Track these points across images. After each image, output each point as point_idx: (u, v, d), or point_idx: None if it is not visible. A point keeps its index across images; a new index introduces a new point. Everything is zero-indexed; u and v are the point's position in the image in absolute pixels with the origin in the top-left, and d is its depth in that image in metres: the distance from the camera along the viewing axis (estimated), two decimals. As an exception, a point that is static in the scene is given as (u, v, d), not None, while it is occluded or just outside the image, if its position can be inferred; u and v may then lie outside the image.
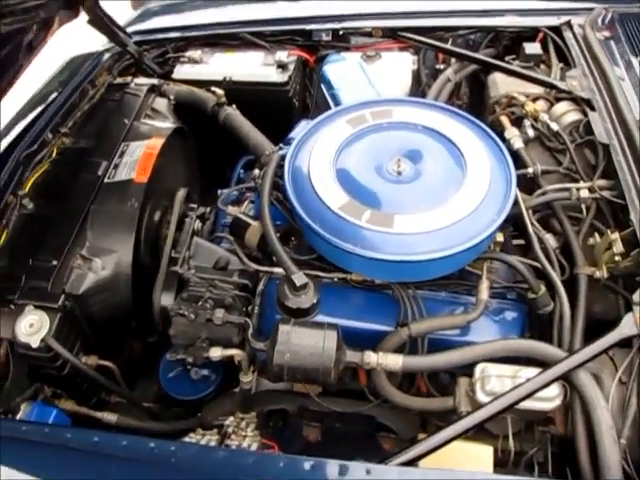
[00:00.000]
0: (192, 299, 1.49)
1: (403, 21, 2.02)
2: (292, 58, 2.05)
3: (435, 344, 1.48)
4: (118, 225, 1.56)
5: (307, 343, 1.30)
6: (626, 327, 1.26)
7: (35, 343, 1.39)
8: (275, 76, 2.00)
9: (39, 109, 1.83)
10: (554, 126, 1.69)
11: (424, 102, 1.72)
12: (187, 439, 1.36)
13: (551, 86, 1.79)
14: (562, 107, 1.75)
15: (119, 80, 2.02)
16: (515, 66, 1.91)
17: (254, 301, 1.53)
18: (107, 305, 1.57)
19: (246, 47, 2.11)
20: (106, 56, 2.03)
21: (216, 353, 1.44)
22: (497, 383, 1.29)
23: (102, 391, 1.66)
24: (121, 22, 2.08)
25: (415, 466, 1.15)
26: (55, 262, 1.49)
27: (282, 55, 2.02)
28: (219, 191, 1.82)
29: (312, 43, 2.10)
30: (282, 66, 2.01)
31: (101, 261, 1.54)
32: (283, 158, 1.61)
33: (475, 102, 2.07)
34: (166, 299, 1.56)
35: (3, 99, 1.67)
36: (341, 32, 2.06)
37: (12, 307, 1.44)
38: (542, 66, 1.94)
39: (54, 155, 1.75)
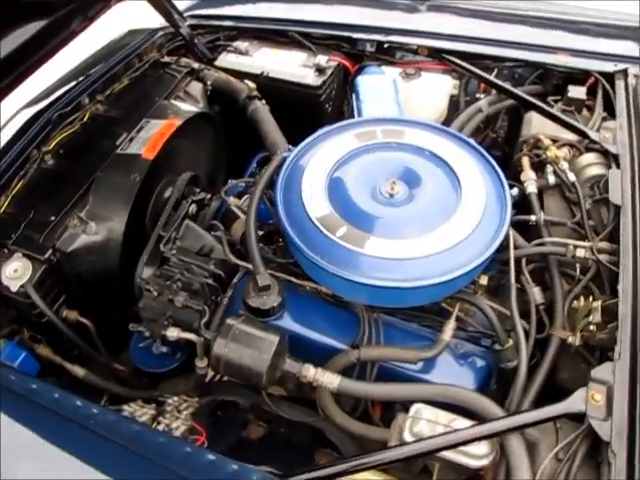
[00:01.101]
0: (164, 277, 1.55)
1: (450, 43, 1.97)
2: (332, 64, 2.05)
3: (389, 373, 1.46)
4: (117, 195, 1.64)
5: (247, 342, 1.32)
6: (575, 402, 1.17)
7: (14, 287, 1.50)
8: (310, 78, 2.01)
9: (85, 75, 1.95)
10: (571, 176, 1.60)
11: (441, 128, 1.67)
12: (125, 407, 1.42)
13: (583, 134, 1.68)
14: (587, 158, 1.65)
15: (166, 59, 2.11)
16: (555, 108, 1.81)
17: (222, 293, 1.57)
18: (95, 267, 1.65)
19: (292, 46, 2.14)
20: (159, 34, 2.13)
21: (173, 333, 1.48)
22: (426, 427, 1.25)
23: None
24: (182, 5, 2.18)
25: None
26: (53, 218, 1.60)
27: (322, 59, 2.03)
28: (229, 181, 1.87)
29: (357, 52, 2.09)
30: (320, 70, 2.02)
31: (96, 225, 1.62)
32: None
33: (512, 138, 1.98)
34: (146, 273, 1.63)
35: (51, 61, 1.81)
36: (386, 45, 2.04)
37: (5, 251, 1.57)
38: (585, 112, 1.83)
39: (86, 119, 1.87)
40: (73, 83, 1.92)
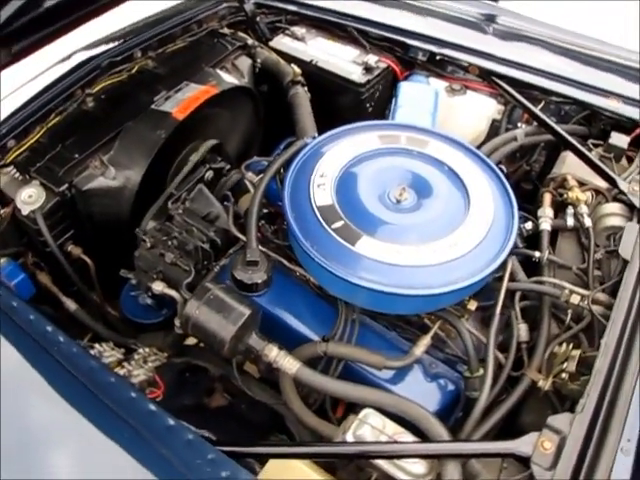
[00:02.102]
0: (163, 232, 1.59)
1: (502, 67, 1.93)
2: (381, 65, 2.05)
3: (355, 375, 1.45)
4: (141, 147, 1.70)
5: (218, 308, 1.34)
6: (523, 445, 1.13)
7: (25, 211, 1.58)
8: (356, 75, 2.01)
9: (144, 30, 2.03)
10: (587, 221, 1.55)
11: (466, 146, 1.64)
12: (96, 345, 1.47)
13: (612, 183, 1.62)
14: (610, 208, 1.58)
15: (225, 30, 2.17)
16: (594, 153, 1.75)
17: (215, 260, 1.60)
18: (107, 211, 1.72)
19: (348, 41, 2.15)
20: (223, 5, 2.19)
21: (158, 287, 1.52)
22: (369, 432, 1.24)
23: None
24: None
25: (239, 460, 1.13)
26: (77, 155, 1.67)
27: (372, 59, 2.03)
28: (254, 157, 1.89)
29: (408, 58, 2.08)
30: (368, 69, 2.02)
31: (115, 171, 1.68)
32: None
33: (546, 174, 1.91)
34: (150, 225, 1.67)
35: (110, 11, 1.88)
36: (438, 57, 2.02)
37: (27, 176, 1.65)
38: (625, 162, 1.76)
39: (134, 71, 1.94)
40: (131, 36, 2.00)
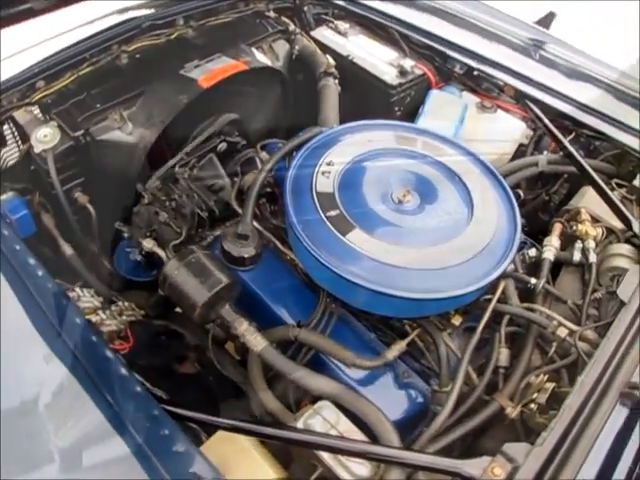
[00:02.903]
0: (163, 192, 1.60)
1: (538, 92, 1.87)
2: (417, 71, 2.02)
3: (324, 367, 1.42)
4: (161, 108, 1.71)
5: (198, 272, 1.34)
6: (472, 466, 1.08)
7: (37, 150, 1.61)
8: (388, 76, 1.99)
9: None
10: (592, 257, 1.48)
11: (483, 162, 1.60)
12: (77, 289, 1.48)
13: (627, 223, 1.55)
14: (619, 248, 1.51)
15: (271, 13, 2.18)
16: (616, 193, 1.68)
17: (210, 230, 1.60)
18: (118, 164, 1.73)
19: (389, 42, 2.14)
20: (272, -10, 2.20)
21: (148, 244, 1.52)
22: (320, 423, 1.21)
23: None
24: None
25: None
26: (98, 105, 1.70)
27: (408, 63, 2.00)
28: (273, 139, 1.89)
29: (446, 69, 2.05)
30: (402, 72, 1.99)
31: (132, 127, 1.70)
32: (322, 134, 1.63)
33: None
34: (154, 184, 1.68)
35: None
36: (475, 72, 1.98)
37: (47, 117, 1.69)
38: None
39: (172, 37, 1.97)
40: (177, 3, 2.03)
